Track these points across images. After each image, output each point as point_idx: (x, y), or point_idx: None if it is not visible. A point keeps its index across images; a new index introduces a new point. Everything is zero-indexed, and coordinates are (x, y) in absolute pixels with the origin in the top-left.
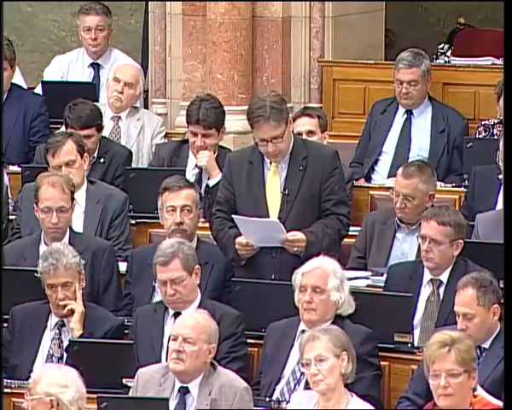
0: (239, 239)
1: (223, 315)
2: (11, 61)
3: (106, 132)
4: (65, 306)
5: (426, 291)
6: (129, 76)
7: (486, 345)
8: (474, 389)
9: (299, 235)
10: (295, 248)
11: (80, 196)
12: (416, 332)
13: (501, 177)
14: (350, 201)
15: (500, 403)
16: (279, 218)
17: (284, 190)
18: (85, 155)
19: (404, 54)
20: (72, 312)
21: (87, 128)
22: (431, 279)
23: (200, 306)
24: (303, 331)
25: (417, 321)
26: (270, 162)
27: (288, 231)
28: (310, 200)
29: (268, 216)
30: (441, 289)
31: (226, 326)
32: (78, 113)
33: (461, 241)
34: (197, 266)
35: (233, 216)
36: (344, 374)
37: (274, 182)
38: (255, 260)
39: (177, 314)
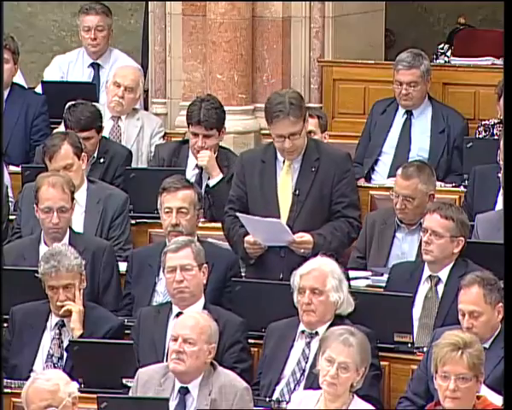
0: (247, 238)
1: (226, 322)
2: (14, 54)
3: (106, 132)
4: (62, 307)
5: (424, 288)
6: (129, 80)
7: (487, 345)
8: (478, 391)
9: (307, 237)
10: (302, 250)
11: (81, 195)
12: (415, 329)
13: (500, 175)
14: None
15: (501, 400)
16: (289, 218)
17: (295, 190)
18: (83, 154)
19: (404, 55)
20: (69, 312)
21: (86, 131)
22: (429, 276)
23: (204, 309)
24: (303, 332)
25: (416, 318)
26: (283, 162)
27: (297, 232)
28: (320, 201)
29: (279, 216)
30: (439, 287)
31: (230, 334)
32: (77, 115)
33: (462, 239)
34: (205, 265)
35: (238, 215)
36: (354, 386)
37: (286, 182)
38: (264, 260)
39: (180, 315)
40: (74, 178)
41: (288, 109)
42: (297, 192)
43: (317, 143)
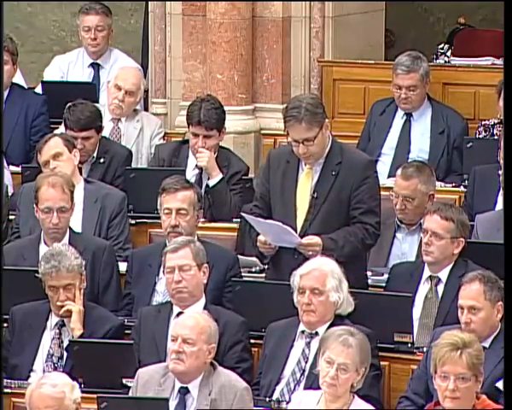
0: (259, 237)
1: (227, 322)
2: (13, 55)
3: (106, 134)
4: (62, 307)
5: (424, 288)
6: (130, 84)
7: (486, 344)
8: (477, 391)
9: (315, 239)
10: (310, 253)
11: (77, 195)
12: (415, 329)
13: (501, 172)
14: None
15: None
16: (305, 220)
17: (313, 193)
18: (75, 150)
19: (403, 58)
20: (70, 312)
21: (86, 130)
22: (429, 276)
23: (204, 309)
24: (303, 332)
25: (416, 318)
26: (305, 164)
27: (311, 235)
28: (337, 206)
29: (295, 217)
30: (439, 287)
31: (231, 334)
32: (77, 115)
33: (462, 239)
34: (206, 265)
35: (243, 214)
36: (354, 386)
37: (305, 184)
38: (278, 259)
39: (180, 314)
40: (64, 167)
41: (302, 115)
42: (315, 195)
43: (342, 147)
